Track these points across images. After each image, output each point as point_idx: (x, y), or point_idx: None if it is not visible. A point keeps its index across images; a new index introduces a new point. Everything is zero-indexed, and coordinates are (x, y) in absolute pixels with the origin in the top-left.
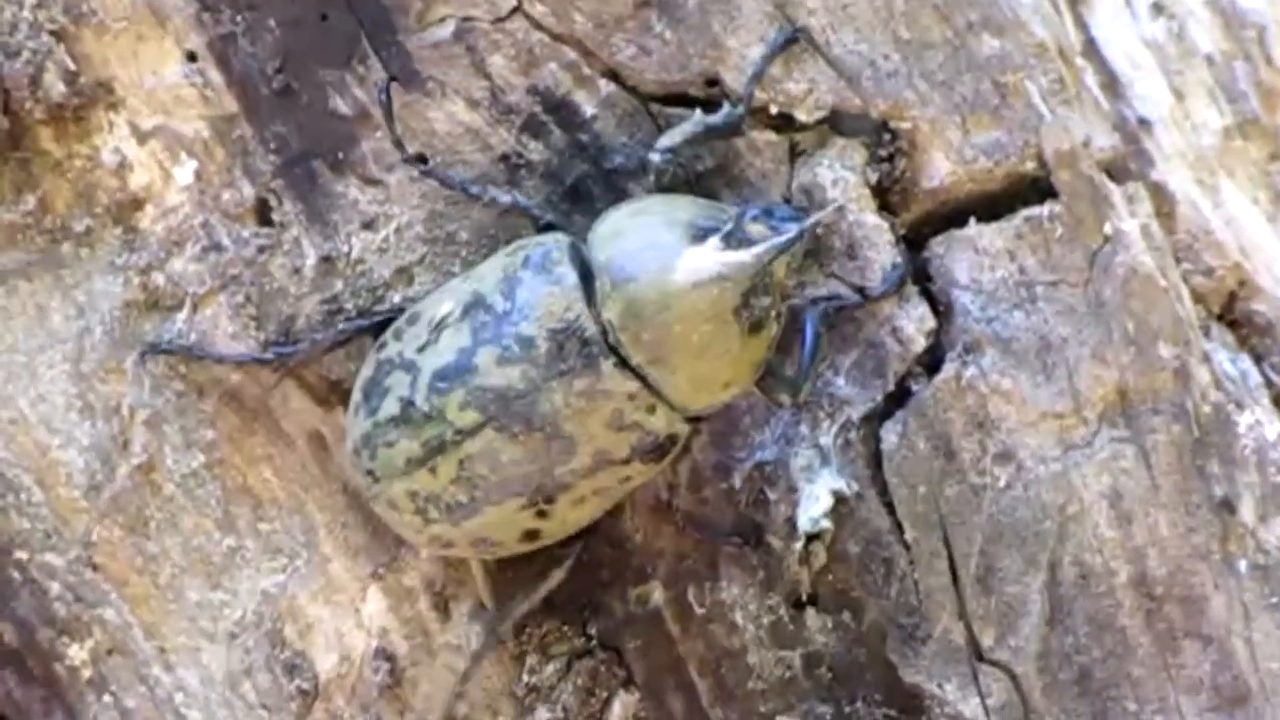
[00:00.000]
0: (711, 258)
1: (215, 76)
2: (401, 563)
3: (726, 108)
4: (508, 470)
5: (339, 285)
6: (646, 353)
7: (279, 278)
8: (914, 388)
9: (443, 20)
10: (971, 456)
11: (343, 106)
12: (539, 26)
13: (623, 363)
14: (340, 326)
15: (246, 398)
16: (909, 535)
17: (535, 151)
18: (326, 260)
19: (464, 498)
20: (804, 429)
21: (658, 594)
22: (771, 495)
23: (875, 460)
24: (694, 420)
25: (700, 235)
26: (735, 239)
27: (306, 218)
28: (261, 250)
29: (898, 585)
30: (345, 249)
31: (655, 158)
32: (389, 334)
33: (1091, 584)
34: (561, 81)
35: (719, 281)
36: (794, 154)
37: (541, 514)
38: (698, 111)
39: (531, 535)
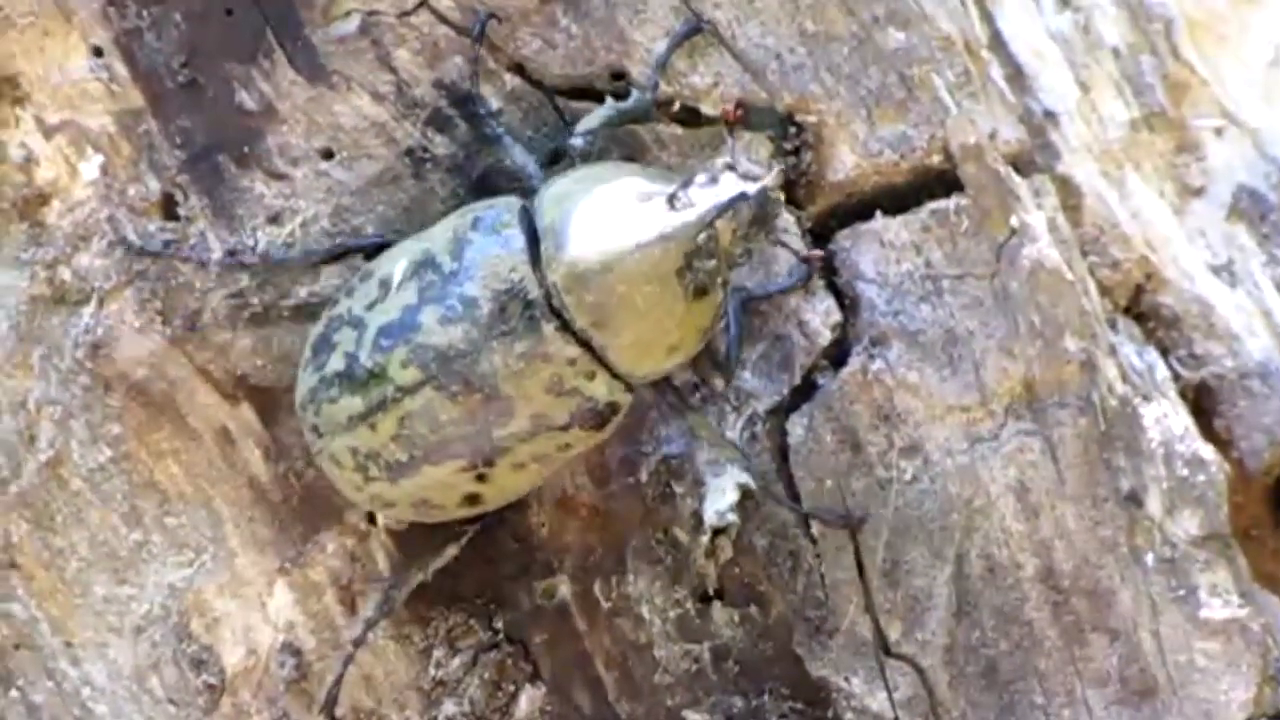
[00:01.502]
0: (654, 218)
1: (121, 71)
2: (308, 558)
3: (636, 94)
4: (446, 430)
5: (245, 279)
6: (589, 315)
7: (185, 272)
8: (820, 381)
9: (348, 14)
10: (878, 450)
11: (249, 101)
12: (444, 20)
13: (565, 326)
14: (337, 241)
15: (153, 392)
16: (815, 529)
17: (441, 145)
18: (232, 254)
19: (403, 456)
20: (710, 422)
21: (564, 588)
22: (678, 489)
23: (782, 453)
24: (639, 388)
25: (644, 198)
26: (679, 202)
27: (212, 212)
28: (167, 245)
29: (804, 579)
30: (251, 243)
31: (577, 141)
32: (341, 291)
33: (998, 577)
34: (466, 75)
35: (661, 242)
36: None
37: (481, 478)
38: (609, 99)
39: (472, 499)
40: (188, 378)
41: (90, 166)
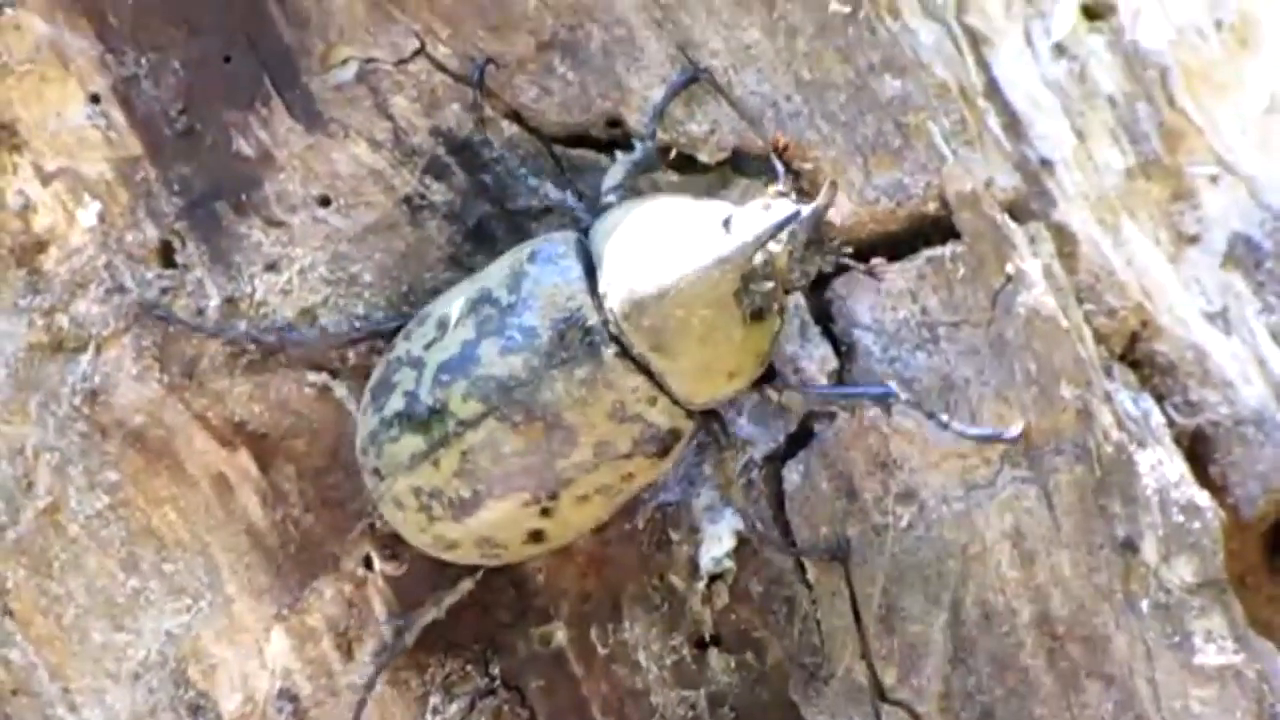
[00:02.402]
0: (709, 242)
1: (119, 118)
2: (305, 604)
3: (640, 145)
4: (509, 462)
5: (243, 327)
6: (648, 340)
7: (183, 319)
8: (816, 428)
9: (345, 62)
10: (874, 496)
11: (246, 148)
12: (441, 68)
13: (625, 352)
14: (356, 325)
15: (150, 439)
16: (811, 575)
17: (438, 193)
18: (230, 302)
19: (467, 492)
20: (707, 469)
21: (561, 634)
22: (674, 536)
23: (778, 501)
24: (705, 416)
25: (698, 224)
26: (734, 226)
27: (210, 259)
28: (165, 292)
29: (800, 625)
30: (248, 290)
31: (611, 198)
32: (400, 335)
33: (994, 623)
34: (464, 123)
35: (718, 265)
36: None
37: (545, 512)
38: (619, 154)
39: (536, 536)
40: (185, 424)
41: (88, 214)
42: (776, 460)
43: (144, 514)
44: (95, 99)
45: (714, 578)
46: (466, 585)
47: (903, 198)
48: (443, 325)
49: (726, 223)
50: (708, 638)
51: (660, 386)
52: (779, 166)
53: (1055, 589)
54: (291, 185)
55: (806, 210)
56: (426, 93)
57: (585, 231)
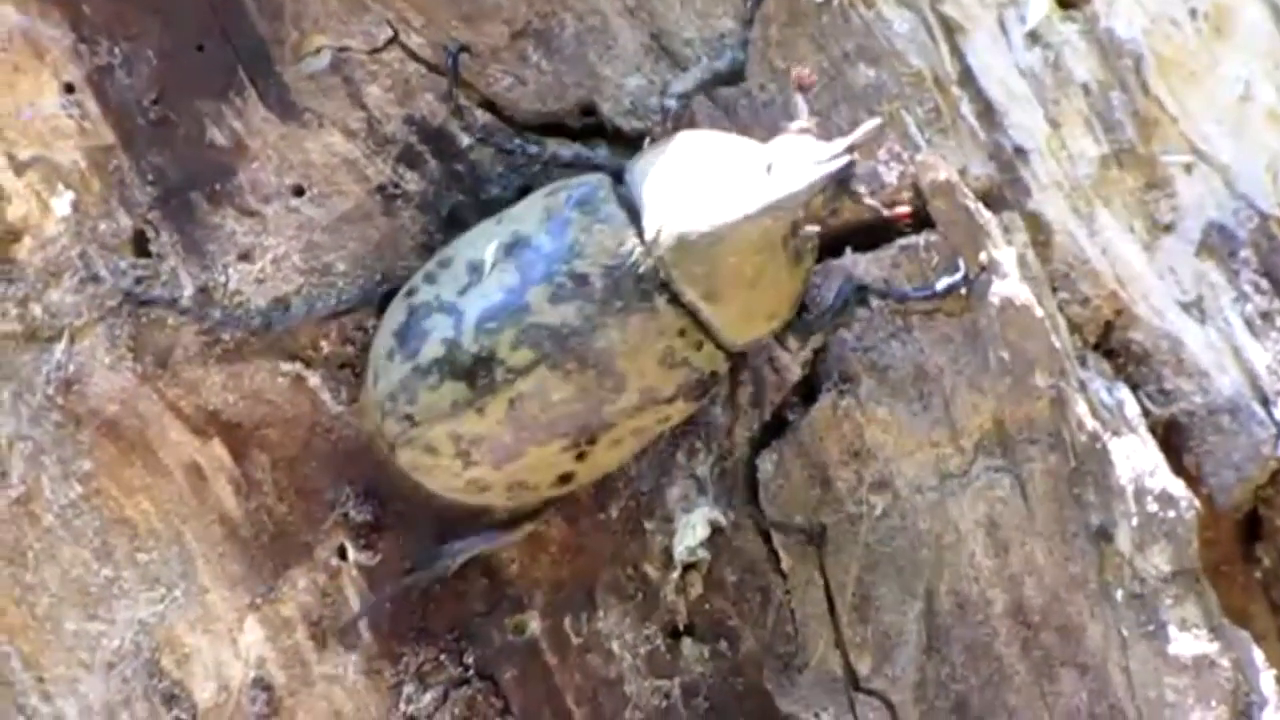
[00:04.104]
0: (758, 188)
1: (93, 108)
2: (279, 593)
3: (731, 54)
4: (557, 409)
5: (216, 316)
6: (699, 286)
7: (156, 309)
8: (790, 417)
9: (319, 51)
10: (848, 486)
11: (220, 138)
12: (415, 57)
13: (674, 298)
14: (344, 297)
15: (124, 429)
16: (785, 564)
17: (412, 181)
18: (204, 291)
19: (510, 439)
20: (680, 458)
21: (534, 623)
22: (648, 525)
23: (752, 490)
24: (733, 357)
25: (739, 166)
26: (778, 171)
27: (184, 248)
28: (139, 281)
29: (774, 615)
30: (222, 280)
31: (671, 103)
32: (418, 279)
33: (968, 613)
34: (437, 112)
35: (771, 211)
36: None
37: (580, 456)
38: (704, 58)
39: (565, 479)
40: (159, 414)
41: (62, 203)
42: (751, 449)
43: (118, 503)
44: (69, 88)
45: (688, 567)
46: (528, 527)
47: (877, 187)
48: (475, 269)
49: (769, 167)
50: (681, 627)
51: (705, 330)
52: (801, 102)
53: (1029, 578)
54: (265, 174)
55: (853, 139)
56: (400, 82)
57: (614, 175)
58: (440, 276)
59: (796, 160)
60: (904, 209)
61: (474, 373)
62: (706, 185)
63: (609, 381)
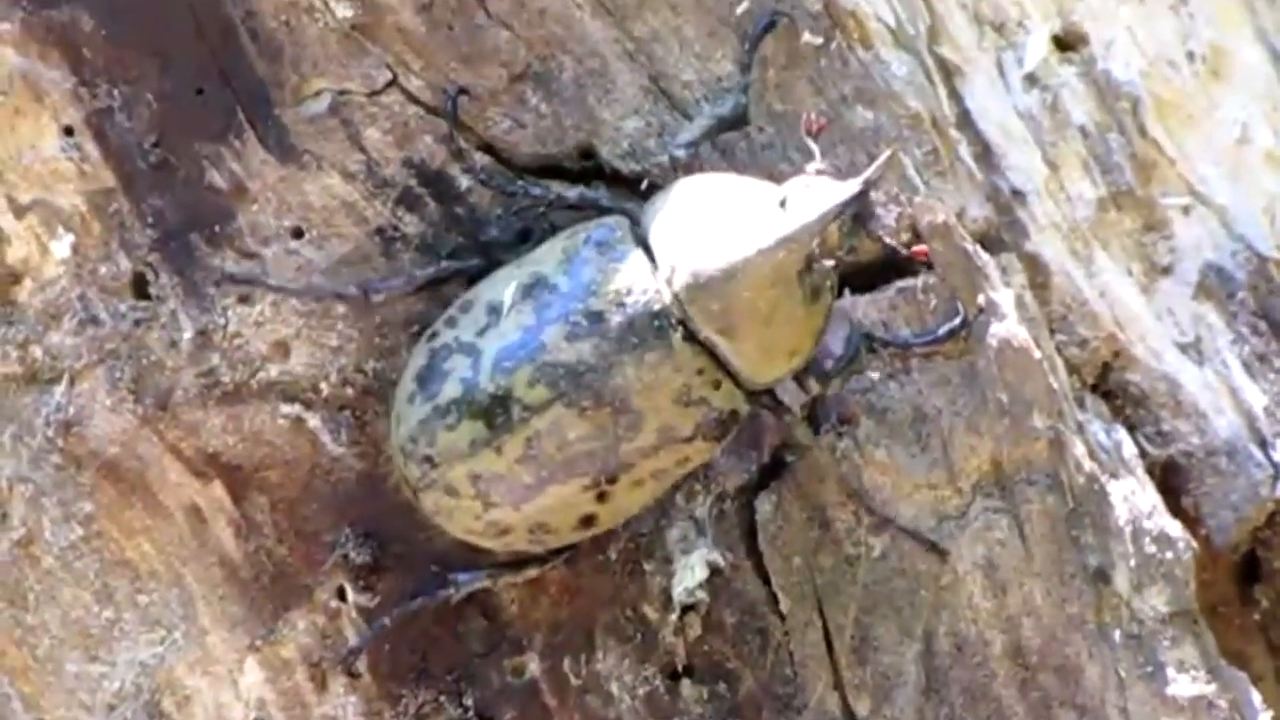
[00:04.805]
0: (771, 222)
1: (92, 151)
2: (279, 635)
3: (734, 99)
4: (574, 447)
5: (216, 359)
6: (715, 323)
7: (156, 351)
8: (789, 458)
9: (318, 94)
10: (846, 527)
11: (219, 180)
12: (414, 100)
13: (691, 336)
14: (443, 264)
15: (125, 470)
16: (784, 606)
17: (411, 224)
18: (203, 333)
19: (529, 478)
20: (679, 500)
21: (534, 665)
22: (647, 566)
23: (750, 531)
24: (755, 396)
25: (753, 203)
26: (791, 205)
27: (183, 291)
28: (139, 324)
29: (773, 656)
30: (222, 322)
31: (680, 153)
32: (440, 323)
33: (966, 654)
34: (436, 154)
35: (785, 244)
36: None
37: (601, 496)
38: (705, 105)
39: (588, 521)
40: (159, 456)
41: (62, 245)
42: (749, 491)
43: (118, 545)
44: (69, 131)
45: (686, 608)
46: (532, 571)
47: (875, 228)
48: (494, 311)
49: (783, 202)
50: (680, 668)
51: (724, 369)
52: (813, 145)
53: (1027, 619)
54: (264, 217)
55: (868, 175)
56: (399, 124)
57: (626, 216)
58: (460, 320)
59: (810, 196)
60: (921, 247)
61: (491, 412)
62: (721, 222)
63: (625, 420)
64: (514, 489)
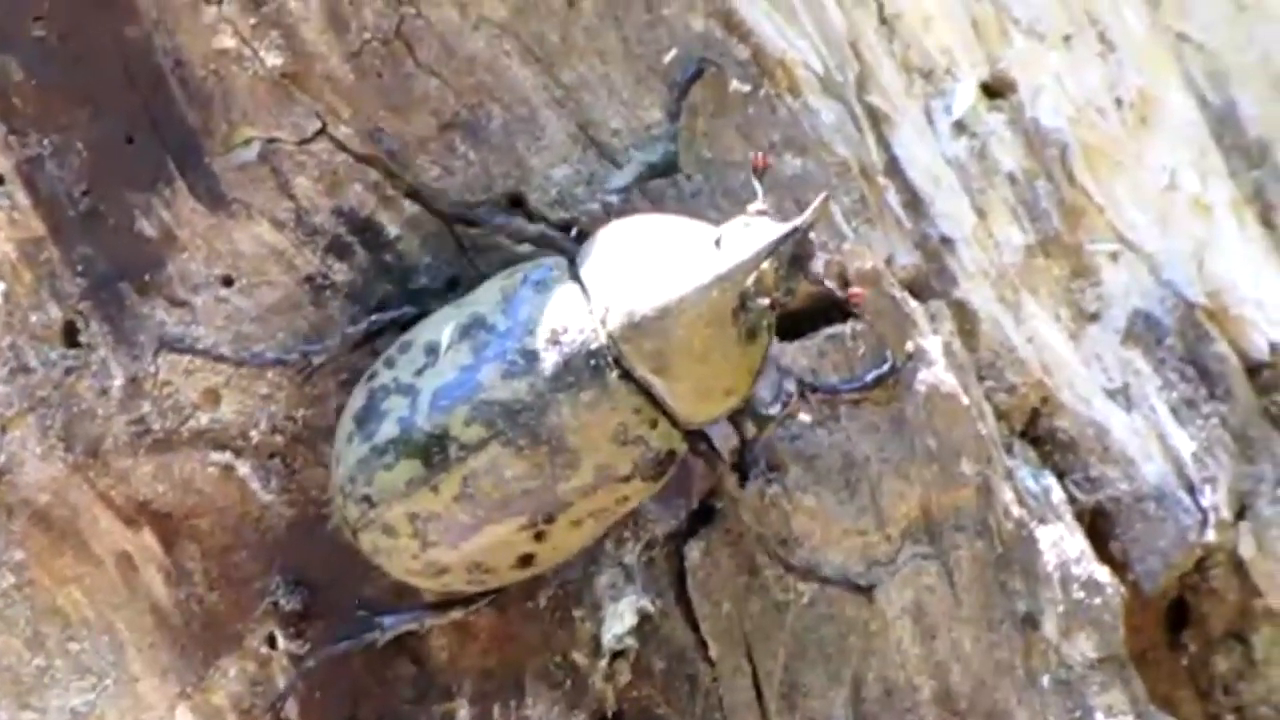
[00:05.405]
0: (705, 261)
1: (22, 199)
2: (209, 682)
3: (663, 146)
4: (511, 486)
5: (146, 406)
6: (650, 362)
7: (87, 399)
8: (717, 505)
9: (248, 142)
10: (775, 574)
11: (149, 229)
12: (343, 148)
13: (626, 375)
14: (372, 318)
15: (55, 518)
16: (713, 652)
17: (340, 272)
18: (134, 381)
19: (466, 517)
20: (609, 546)
21: (464, 712)
22: (576, 613)
23: (680, 577)
24: (692, 436)
25: (688, 242)
26: (726, 244)
27: (114, 339)
28: (69, 372)
29: (702, 701)
30: (152, 370)
31: (611, 199)
32: (379, 363)
33: (895, 699)
34: (366, 202)
35: (718, 283)
36: None
37: (539, 536)
38: (634, 152)
39: (526, 560)
40: (90, 504)
41: None
42: (678, 538)
43: (49, 593)
44: None
45: (616, 655)
46: (457, 614)
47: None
48: (432, 351)
49: (718, 241)
50: (610, 714)
51: (660, 408)
52: (757, 185)
53: (956, 665)
54: (194, 265)
55: (802, 219)
56: (328, 173)
57: (565, 256)
58: (399, 360)
59: (747, 235)
60: (859, 290)
61: (428, 451)
62: (657, 261)
63: (562, 459)
64: (451, 528)
